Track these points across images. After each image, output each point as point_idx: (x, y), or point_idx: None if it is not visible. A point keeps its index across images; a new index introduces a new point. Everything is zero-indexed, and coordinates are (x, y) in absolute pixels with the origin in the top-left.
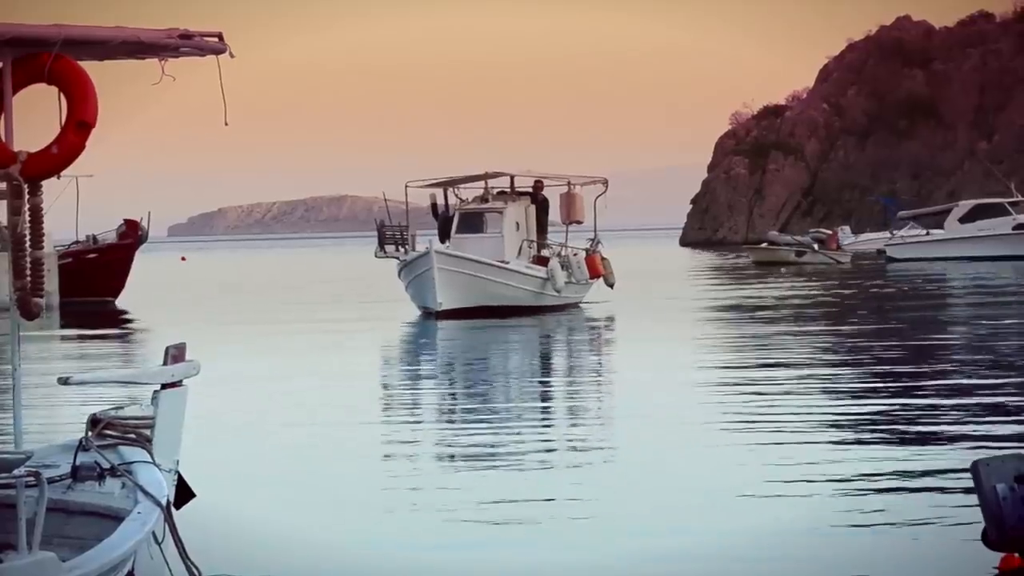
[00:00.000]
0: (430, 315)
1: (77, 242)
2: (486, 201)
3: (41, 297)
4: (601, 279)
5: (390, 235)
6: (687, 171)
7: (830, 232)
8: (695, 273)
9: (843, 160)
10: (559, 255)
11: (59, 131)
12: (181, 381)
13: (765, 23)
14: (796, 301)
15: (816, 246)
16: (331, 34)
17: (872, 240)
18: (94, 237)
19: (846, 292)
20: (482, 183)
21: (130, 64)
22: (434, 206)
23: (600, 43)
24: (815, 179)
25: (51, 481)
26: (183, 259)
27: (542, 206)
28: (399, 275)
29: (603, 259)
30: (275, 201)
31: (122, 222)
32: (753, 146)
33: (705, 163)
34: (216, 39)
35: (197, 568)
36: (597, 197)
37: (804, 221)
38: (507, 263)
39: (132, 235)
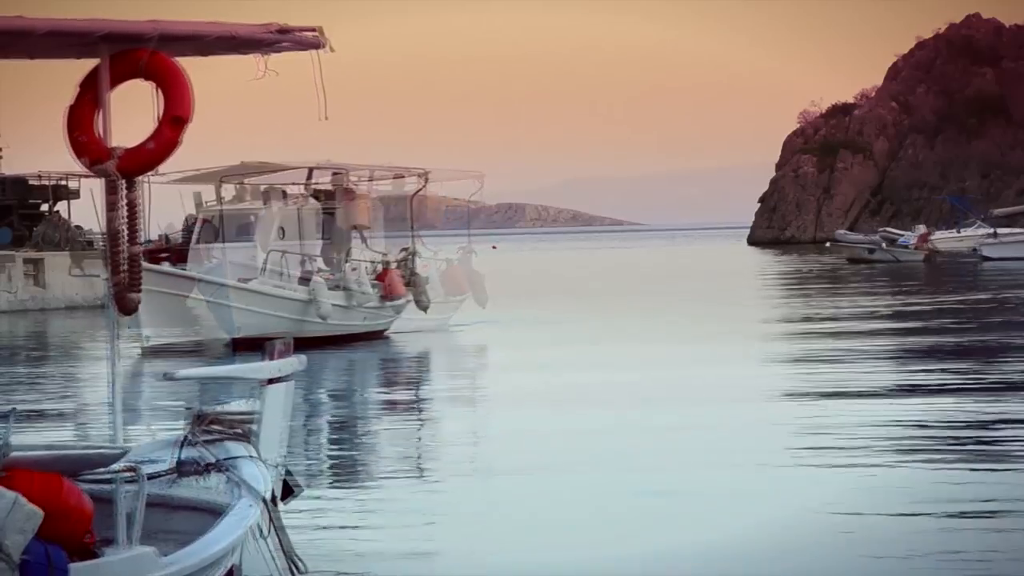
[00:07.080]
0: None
1: (149, 241)
2: (242, 200)
3: (138, 292)
4: (408, 300)
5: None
6: (754, 170)
7: (921, 232)
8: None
9: (912, 159)
10: (352, 269)
11: (155, 127)
12: (286, 376)
13: (833, 20)
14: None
15: (884, 244)
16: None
17: (941, 239)
18: (166, 236)
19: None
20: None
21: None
22: (198, 208)
23: (668, 43)
24: (884, 178)
25: (155, 476)
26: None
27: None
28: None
29: (413, 275)
30: None
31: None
32: (821, 145)
33: (773, 162)
34: (314, 34)
35: (302, 562)
36: (413, 195)
37: (873, 220)
38: (248, 281)
39: None
